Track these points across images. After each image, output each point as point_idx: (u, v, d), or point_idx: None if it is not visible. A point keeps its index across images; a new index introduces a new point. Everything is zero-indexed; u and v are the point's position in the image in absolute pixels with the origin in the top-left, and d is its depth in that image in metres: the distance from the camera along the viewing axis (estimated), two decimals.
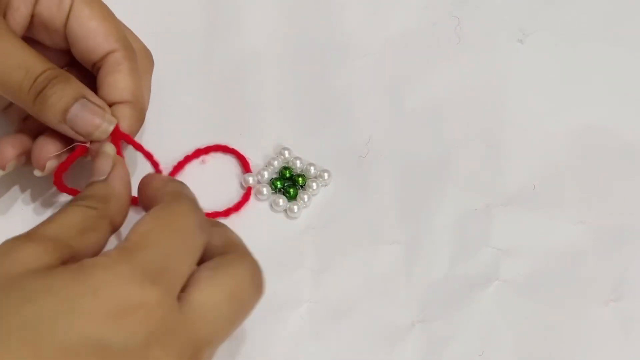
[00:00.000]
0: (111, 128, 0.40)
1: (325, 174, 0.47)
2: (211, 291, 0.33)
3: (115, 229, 0.37)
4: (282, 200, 0.46)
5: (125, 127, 0.41)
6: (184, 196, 0.36)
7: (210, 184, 0.46)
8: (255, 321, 0.43)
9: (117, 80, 0.41)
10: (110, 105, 0.41)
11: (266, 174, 0.47)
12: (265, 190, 0.46)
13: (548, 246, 0.46)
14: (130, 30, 0.45)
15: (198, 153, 0.47)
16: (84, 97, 0.39)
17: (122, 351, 0.29)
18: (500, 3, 0.53)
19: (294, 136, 0.49)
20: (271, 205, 0.47)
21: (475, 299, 0.45)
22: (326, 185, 0.47)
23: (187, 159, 0.47)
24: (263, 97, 0.49)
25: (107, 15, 0.42)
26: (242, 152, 0.48)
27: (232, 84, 0.50)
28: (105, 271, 0.30)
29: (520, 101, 0.50)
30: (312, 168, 0.47)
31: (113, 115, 0.40)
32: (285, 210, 0.46)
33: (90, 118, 0.39)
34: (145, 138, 0.47)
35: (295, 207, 0.46)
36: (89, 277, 0.30)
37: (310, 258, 0.45)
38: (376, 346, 0.44)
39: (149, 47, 0.46)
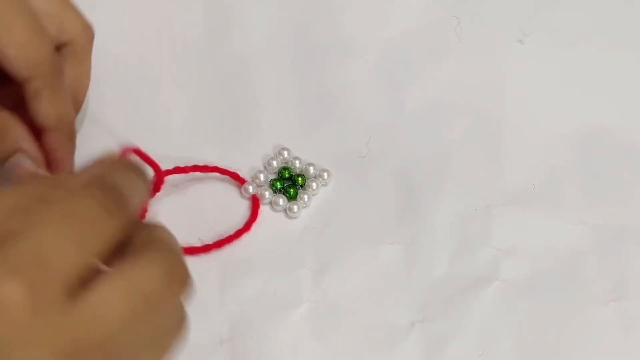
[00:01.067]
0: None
1: (325, 174, 0.47)
2: (107, 289, 0.28)
3: None
4: (282, 200, 0.46)
5: (58, 157, 0.40)
6: (98, 177, 0.31)
7: (209, 201, 0.46)
8: (255, 321, 0.44)
9: (38, 108, 0.39)
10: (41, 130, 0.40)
11: (262, 176, 0.47)
12: (268, 194, 0.46)
13: (548, 246, 0.46)
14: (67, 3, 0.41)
15: (180, 170, 0.46)
16: (19, 151, 0.39)
17: None
18: (500, 3, 0.53)
19: (294, 136, 0.48)
20: (271, 205, 0.47)
21: (475, 299, 0.45)
22: (326, 185, 0.47)
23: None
24: (262, 96, 0.50)
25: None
26: (238, 153, 0.48)
27: (231, 84, 0.50)
28: None
29: (520, 101, 0.50)
30: (311, 168, 0.47)
31: (47, 144, 0.40)
32: (285, 210, 0.46)
33: (24, 172, 0.39)
34: (145, 137, 0.47)
35: (295, 207, 0.46)
36: None
37: (310, 258, 0.45)
38: (376, 346, 0.44)
39: (149, 46, 0.46)
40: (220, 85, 0.49)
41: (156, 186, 0.45)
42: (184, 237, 0.44)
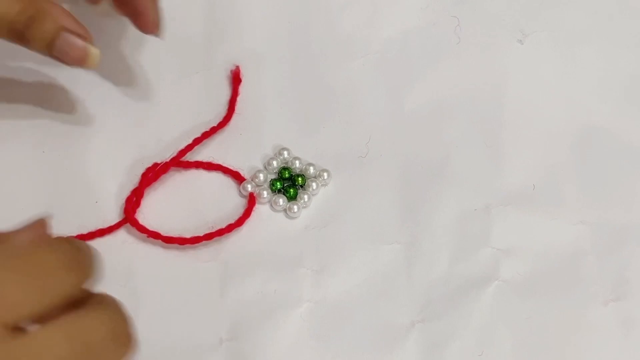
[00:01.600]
0: (98, 54, 0.40)
1: (325, 174, 0.47)
2: (53, 330, 0.30)
3: None
4: (282, 200, 0.46)
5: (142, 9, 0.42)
6: (64, 241, 0.32)
7: (208, 199, 0.46)
8: (255, 321, 0.44)
9: None
10: None
11: (262, 176, 0.47)
12: (266, 193, 0.46)
13: (548, 246, 0.46)
14: None
15: (183, 164, 0.47)
16: (64, 29, 0.39)
17: None
18: (500, 3, 0.53)
19: (294, 136, 0.48)
20: (271, 205, 0.47)
21: (475, 299, 0.45)
22: (326, 184, 0.47)
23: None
24: (263, 96, 0.49)
25: None
26: (238, 153, 0.48)
27: (230, 84, 0.50)
28: None
29: (520, 101, 0.50)
30: (311, 168, 0.47)
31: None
32: (285, 210, 0.46)
33: (75, 53, 0.40)
34: (144, 137, 0.48)
35: (295, 207, 0.46)
36: None
37: (310, 258, 0.45)
38: (376, 346, 0.44)
39: (148, 47, 0.46)
40: (220, 85, 0.49)
41: (154, 177, 0.46)
42: (181, 232, 0.45)
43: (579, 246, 0.46)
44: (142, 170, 0.46)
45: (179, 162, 0.46)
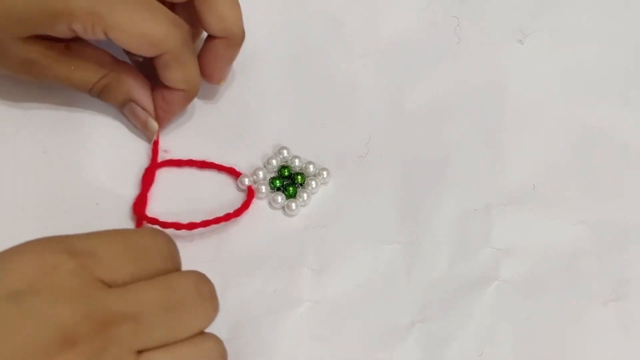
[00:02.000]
0: (156, 127, 0.46)
1: (324, 172, 0.47)
2: (146, 284, 0.34)
3: None
4: (280, 198, 0.46)
5: (177, 111, 0.47)
6: (159, 232, 0.38)
7: (206, 189, 0.47)
8: (255, 321, 0.44)
9: (171, 73, 0.44)
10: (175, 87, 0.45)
11: (261, 173, 0.47)
12: (264, 188, 0.46)
13: (548, 246, 0.46)
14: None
15: (174, 163, 0.47)
16: (131, 101, 0.46)
17: (31, 302, 0.32)
18: (500, 3, 0.53)
19: (294, 136, 0.48)
20: (270, 203, 0.47)
21: (475, 298, 0.45)
22: (325, 183, 0.47)
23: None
24: (263, 96, 0.49)
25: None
26: (238, 152, 0.48)
27: (231, 83, 0.50)
28: (34, 242, 0.34)
29: (520, 101, 0.50)
30: (311, 166, 0.47)
31: (165, 103, 0.46)
32: (283, 208, 0.46)
33: (137, 121, 0.47)
34: (144, 138, 0.48)
35: (294, 205, 0.46)
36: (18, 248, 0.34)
37: (311, 257, 0.45)
38: (376, 346, 0.44)
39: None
40: (221, 86, 0.49)
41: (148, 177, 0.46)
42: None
43: (579, 246, 0.46)
44: (141, 169, 0.46)
45: (177, 161, 0.47)
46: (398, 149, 0.48)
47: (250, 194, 0.46)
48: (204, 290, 0.36)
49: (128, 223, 0.45)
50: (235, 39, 0.46)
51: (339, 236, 0.46)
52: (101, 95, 0.46)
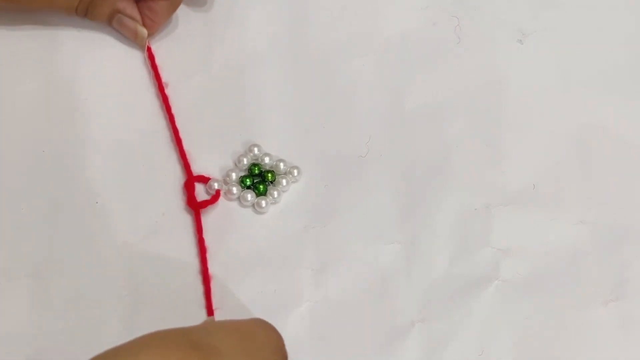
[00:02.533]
0: (145, 33, 0.48)
1: (295, 170, 0.47)
2: None
3: None
4: (250, 196, 0.46)
5: (163, 20, 0.49)
6: (268, 324, 0.39)
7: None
8: None
9: None
10: None
11: (234, 175, 0.47)
12: (235, 189, 0.46)
13: (548, 246, 0.46)
14: None
15: None
16: (118, 12, 0.48)
17: None
18: (500, 3, 0.53)
19: (294, 136, 0.48)
20: (239, 201, 0.46)
21: (475, 298, 0.45)
22: (296, 181, 0.47)
23: None
24: (263, 97, 0.49)
25: None
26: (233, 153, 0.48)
27: (232, 84, 0.50)
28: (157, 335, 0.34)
29: (520, 101, 0.50)
30: (281, 164, 0.47)
31: (151, 12, 0.48)
32: (253, 205, 0.46)
33: (126, 30, 0.48)
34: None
35: (263, 202, 0.46)
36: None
37: (310, 257, 0.45)
38: (376, 345, 0.44)
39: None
40: (221, 86, 0.49)
41: None
42: None
43: (579, 246, 0.46)
44: (139, 170, 0.47)
45: None
46: (398, 149, 0.48)
47: (217, 194, 0.46)
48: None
49: (127, 223, 0.45)
50: None
51: (339, 236, 0.46)
52: (88, 14, 0.47)
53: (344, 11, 0.52)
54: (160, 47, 0.49)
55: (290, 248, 0.46)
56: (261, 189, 0.46)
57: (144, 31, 0.49)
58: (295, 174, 0.47)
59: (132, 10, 0.48)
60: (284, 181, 0.47)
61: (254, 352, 0.35)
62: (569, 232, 0.47)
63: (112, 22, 0.48)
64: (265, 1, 0.52)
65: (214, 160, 0.47)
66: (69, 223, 0.45)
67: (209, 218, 0.46)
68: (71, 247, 0.44)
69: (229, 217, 0.46)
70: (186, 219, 0.46)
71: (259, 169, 0.47)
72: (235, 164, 0.47)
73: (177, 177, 0.47)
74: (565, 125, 0.50)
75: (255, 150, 0.47)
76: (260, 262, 0.45)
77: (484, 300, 0.45)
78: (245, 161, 0.47)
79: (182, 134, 0.47)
